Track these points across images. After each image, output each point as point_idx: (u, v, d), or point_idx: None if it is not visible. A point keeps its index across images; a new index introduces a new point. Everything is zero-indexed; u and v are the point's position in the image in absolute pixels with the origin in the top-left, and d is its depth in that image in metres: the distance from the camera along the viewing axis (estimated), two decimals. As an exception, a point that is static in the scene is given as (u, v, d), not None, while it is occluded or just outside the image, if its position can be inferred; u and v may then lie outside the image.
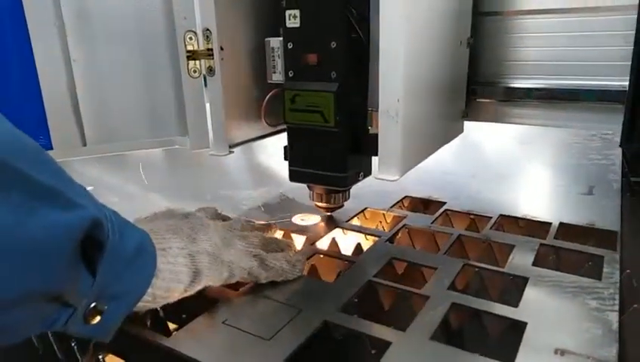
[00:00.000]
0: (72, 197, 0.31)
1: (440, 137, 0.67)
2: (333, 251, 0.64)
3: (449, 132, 0.71)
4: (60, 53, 0.57)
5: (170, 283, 0.41)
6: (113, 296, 0.36)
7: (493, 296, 0.54)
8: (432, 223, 0.69)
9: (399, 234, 0.67)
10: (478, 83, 0.75)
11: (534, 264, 0.55)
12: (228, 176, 1.00)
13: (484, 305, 0.47)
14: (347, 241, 0.67)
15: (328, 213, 0.70)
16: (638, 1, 0.56)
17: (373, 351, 0.44)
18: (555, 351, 0.40)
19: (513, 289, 0.52)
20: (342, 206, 0.68)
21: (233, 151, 0.65)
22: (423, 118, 0.59)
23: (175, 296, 0.43)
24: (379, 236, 0.65)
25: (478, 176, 0.90)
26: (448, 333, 0.46)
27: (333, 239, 0.66)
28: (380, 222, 0.73)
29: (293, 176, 0.63)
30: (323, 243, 0.65)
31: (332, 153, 0.59)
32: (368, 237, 0.66)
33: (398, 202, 0.77)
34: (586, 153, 1.06)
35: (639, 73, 0.54)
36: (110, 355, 0.47)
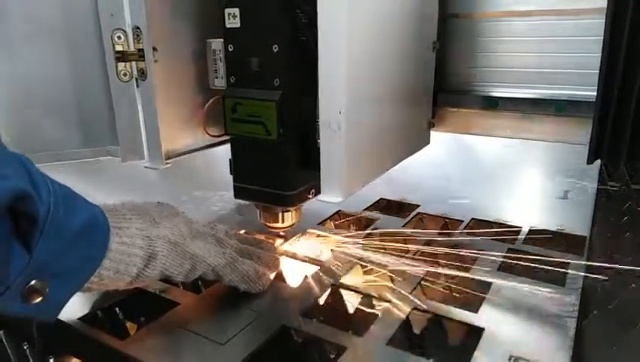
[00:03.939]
0: None
1: (399, 151, 0.62)
2: (301, 254, 0.63)
3: (411, 144, 0.65)
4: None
5: (120, 265, 0.39)
6: (55, 273, 0.34)
7: (456, 300, 0.54)
8: (404, 226, 0.68)
9: (370, 237, 0.66)
10: (447, 91, 0.72)
11: (500, 269, 0.55)
12: (206, 176, 0.99)
13: (444, 311, 0.47)
14: (317, 244, 0.66)
15: (280, 233, 0.64)
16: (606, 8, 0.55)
17: (332, 356, 0.44)
18: (509, 358, 0.40)
19: (477, 294, 0.52)
20: (293, 225, 0.62)
21: (170, 164, 0.59)
22: (375, 130, 0.53)
23: (126, 279, 0.40)
24: (349, 239, 0.64)
25: (455, 179, 0.90)
26: (407, 338, 0.46)
27: (304, 241, 0.66)
28: (353, 224, 0.73)
29: (239, 193, 0.57)
30: (292, 246, 0.65)
31: (276, 168, 0.53)
32: (339, 239, 0.66)
33: (372, 204, 0.77)
34: (567, 157, 1.06)
35: (606, 86, 0.52)
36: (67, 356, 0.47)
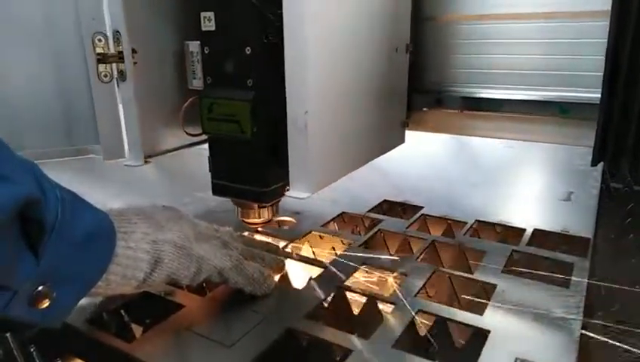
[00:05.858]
0: (3, 173, 0.29)
1: (370, 149, 0.63)
2: (305, 256, 0.63)
3: (384, 143, 0.67)
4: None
5: (126, 270, 0.39)
6: (62, 279, 0.34)
7: (461, 302, 0.54)
8: (407, 228, 0.68)
9: (374, 239, 0.67)
10: (423, 91, 0.73)
11: (504, 271, 0.55)
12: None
13: (450, 313, 0.47)
14: (322, 245, 0.67)
15: (258, 229, 0.66)
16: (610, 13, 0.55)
17: (337, 358, 0.44)
18: (515, 360, 0.40)
19: (481, 296, 0.52)
20: (270, 220, 0.64)
21: (150, 162, 0.61)
22: (344, 128, 0.54)
23: (133, 284, 0.40)
24: (353, 240, 0.64)
25: (458, 181, 0.90)
26: (413, 340, 0.46)
27: (307, 243, 0.66)
28: (357, 226, 0.73)
29: (217, 190, 0.59)
30: (296, 247, 0.65)
31: (251, 166, 0.55)
32: (343, 241, 0.66)
33: (375, 206, 0.77)
34: (570, 158, 1.06)
35: (611, 88, 0.53)
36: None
